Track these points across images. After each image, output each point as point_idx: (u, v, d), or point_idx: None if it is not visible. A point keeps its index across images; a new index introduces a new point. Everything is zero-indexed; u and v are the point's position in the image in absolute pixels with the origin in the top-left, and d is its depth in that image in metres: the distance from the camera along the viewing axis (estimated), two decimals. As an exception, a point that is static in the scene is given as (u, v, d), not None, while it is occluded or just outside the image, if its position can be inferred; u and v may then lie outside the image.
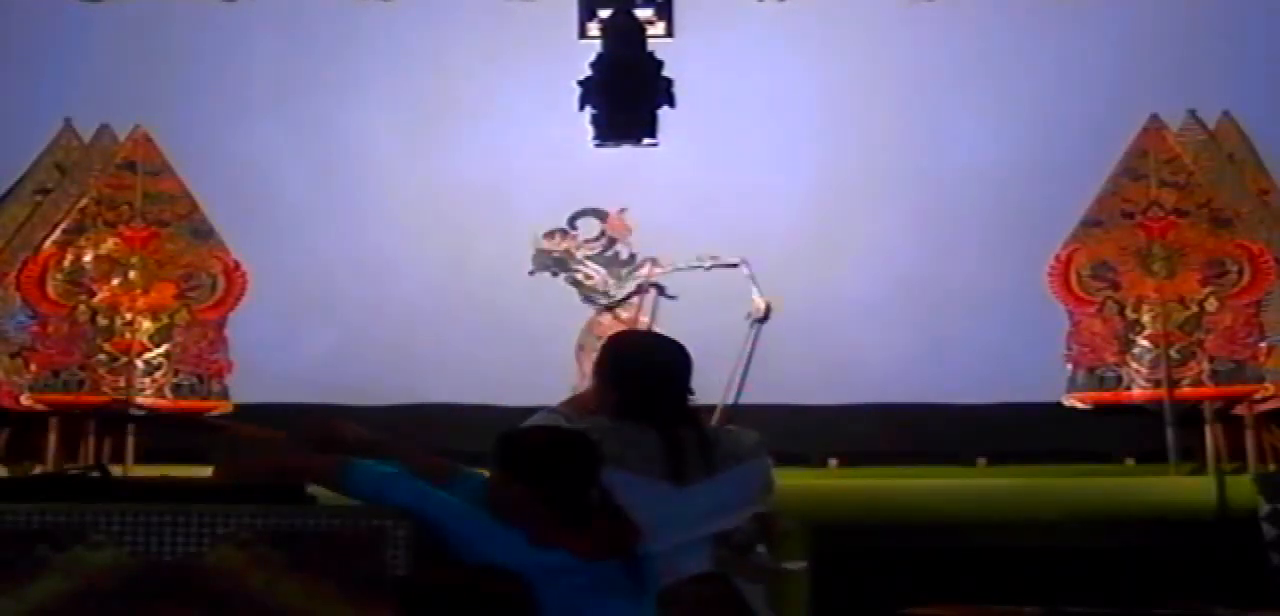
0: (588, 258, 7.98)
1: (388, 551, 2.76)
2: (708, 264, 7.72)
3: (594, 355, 7.37)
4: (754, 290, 7.47)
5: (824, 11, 8.83)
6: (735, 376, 7.06)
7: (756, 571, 3.30)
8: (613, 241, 7.98)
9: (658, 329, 7.19)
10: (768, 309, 7.41)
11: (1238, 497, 6.23)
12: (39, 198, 8.03)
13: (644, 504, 3.00)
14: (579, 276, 7.96)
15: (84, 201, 7.85)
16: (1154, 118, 7.91)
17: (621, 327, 7.44)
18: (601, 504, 2.93)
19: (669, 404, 3.28)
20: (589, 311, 7.95)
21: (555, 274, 7.95)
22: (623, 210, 7.98)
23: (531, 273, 7.96)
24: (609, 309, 7.85)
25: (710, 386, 6.82)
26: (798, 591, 3.61)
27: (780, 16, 8.91)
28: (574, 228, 8.03)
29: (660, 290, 7.77)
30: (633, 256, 7.93)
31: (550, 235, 8.01)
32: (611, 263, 7.95)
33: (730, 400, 6.87)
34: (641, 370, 3.37)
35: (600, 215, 8.02)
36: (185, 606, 2.71)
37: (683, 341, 3.42)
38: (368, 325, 8.45)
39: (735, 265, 7.62)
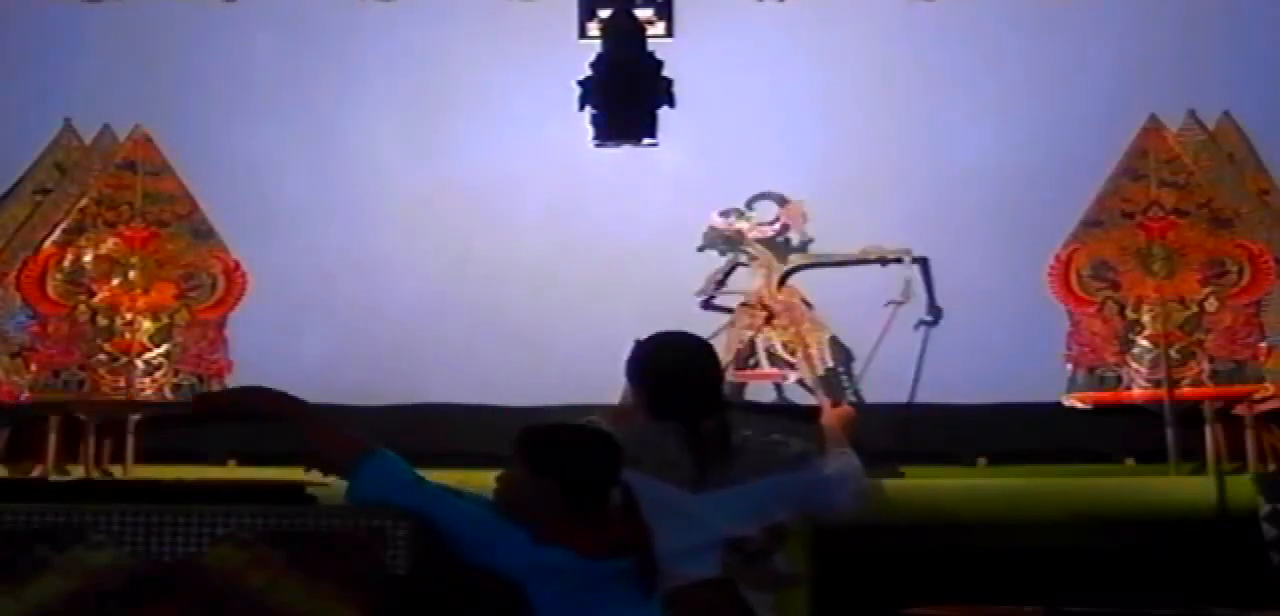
0: (758, 240, 8.05)
1: (387, 551, 2.75)
2: (871, 257, 7.81)
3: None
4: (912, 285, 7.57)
5: (824, 11, 8.83)
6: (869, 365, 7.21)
7: (766, 580, 3.28)
8: (786, 226, 8.06)
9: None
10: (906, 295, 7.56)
11: (1238, 497, 6.21)
12: (39, 198, 8.04)
13: (655, 505, 3.00)
14: (743, 258, 8.06)
15: (84, 201, 7.86)
16: (1154, 118, 7.92)
17: (772, 309, 7.64)
18: (618, 504, 2.93)
19: (688, 405, 3.25)
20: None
21: (723, 253, 8.06)
22: (804, 199, 8.06)
23: (701, 249, 8.05)
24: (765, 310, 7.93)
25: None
26: (797, 591, 3.59)
27: (780, 16, 8.91)
28: (751, 208, 8.10)
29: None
30: (804, 244, 8.00)
31: (725, 214, 8.09)
32: (781, 248, 8.04)
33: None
34: (660, 370, 3.34)
35: (779, 200, 8.10)
36: (185, 606, 2.70)
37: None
38: (368, 325, 8.44)
39: (898, 260, 7.71)
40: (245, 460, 6.95)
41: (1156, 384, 7.49)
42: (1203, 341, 7.51)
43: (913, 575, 5.63)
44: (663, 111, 7.23)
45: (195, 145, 8.19)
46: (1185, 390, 7.46)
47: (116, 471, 7.19)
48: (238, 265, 7.89)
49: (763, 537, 3.26)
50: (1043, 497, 6.48)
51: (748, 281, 8.09)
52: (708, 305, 7.99)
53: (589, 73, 7.27)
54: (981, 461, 7.78)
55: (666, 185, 8.34)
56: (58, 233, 7.80)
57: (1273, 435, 7.34)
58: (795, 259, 8.07)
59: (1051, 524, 6.11)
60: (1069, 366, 7.73)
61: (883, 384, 7.76)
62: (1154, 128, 7.90)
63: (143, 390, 7.58)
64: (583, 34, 8.56)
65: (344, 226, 8.68)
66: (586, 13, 8.59)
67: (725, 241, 8.09)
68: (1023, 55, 8.76)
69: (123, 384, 7.56)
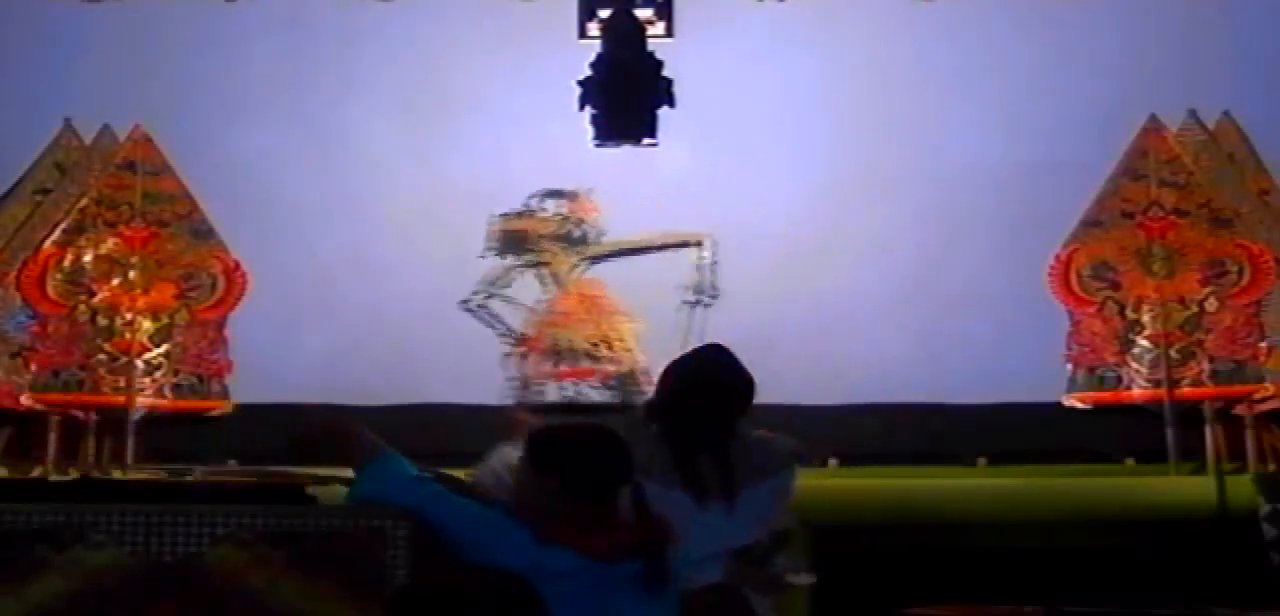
0: (546, 236, 7.93)
1: (387, 552, 2.75)
2: (668, 243, 7.70)
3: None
4: (709, 273, 7.48)
5: (824, 11, 8.82)
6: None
7: (768, 582, 3.30)
8: (581, 220, 7.96)
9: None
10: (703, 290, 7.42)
11: (1238, 497, 6.23)
12: (39, 198, 8.05)
13: (662, 510, 3.01)
14: (543, 257, 7.92)
15: (84, 201, 7.87)
16: (1154, 118, 7.92)
17: (570, 306, 7.55)
18: (631, 506, 2.90)
19: (688, 425, 3.30)
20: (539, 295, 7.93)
21: (517, 255, 7.93)
22: (591, 190, 7.95)
23: (482, 256, 7.90)
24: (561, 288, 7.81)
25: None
26: (798, 593, 3.60)
27: (780, 16, 8.90)
28: (543, 206, 8.00)
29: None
30: (598, 237, 7.91)
31: (508, 216, 7.95)
32: (574, 244, 7.94)
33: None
34: (669, 389, 3.41)
35: (568, 195, 8.00)
36: (185, 606, 2.70)
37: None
38: (367, 325, 8.43)
39: (698, 243, 7.59)
40: (245, 460, 6.95)
41: (1156, 384, 7.49)
42: (1203, 341, 7.52)
43: (913, 575, 5.64)
44: (663, 111, 7.23)
45: (195, 145, 8.19)
46: (1185, 390, 7.46)
47: (116, 472, 7.19)
48: (238, 265, 7.90)
49: (765, 540, 3.28)
50: (1043, 497, 6.49)
51: (536, 282, 7.95)
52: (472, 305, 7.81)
53: (589, 73, 7.27)
54: (981, 461, 7.77)
55: (666, 185, 8.34)
56: (58, 233, 7.80)
57: (1273, 435, 7.34)
58: (590, 251, 7.96)
59: (1051, 524, 6.12)
60: (1069, 366, 7.74)
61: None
62: (1154, 128, 7.90)
63: (143, 390, 7.59)
64: (583, 34, 8.55)
65: (344, 226, 8.67)
66: (586, 13, 8.58)
67: (510, 242, 7.97)
68: (1023, 55, 8.75)
69: (123, 384, 7.56)
